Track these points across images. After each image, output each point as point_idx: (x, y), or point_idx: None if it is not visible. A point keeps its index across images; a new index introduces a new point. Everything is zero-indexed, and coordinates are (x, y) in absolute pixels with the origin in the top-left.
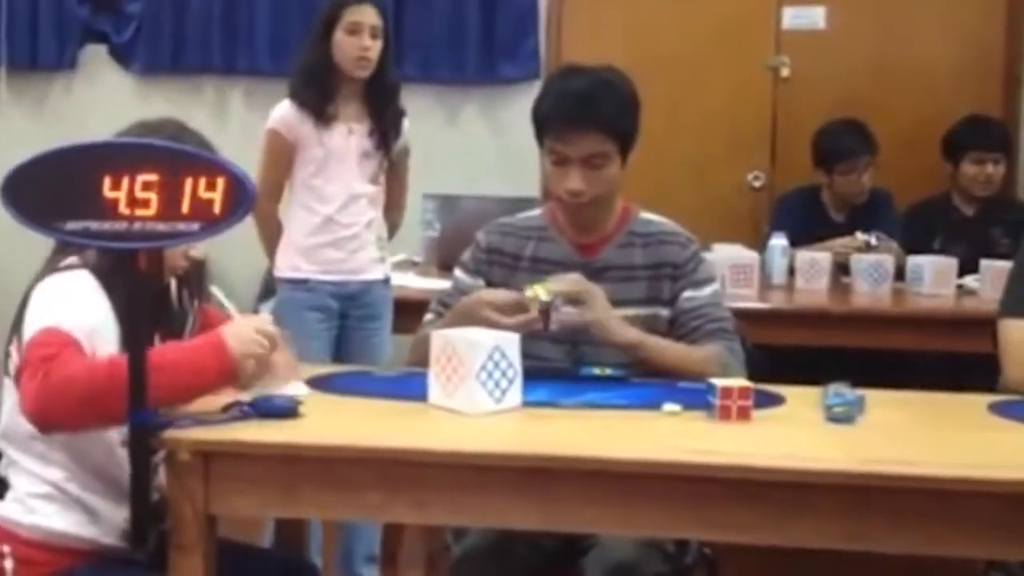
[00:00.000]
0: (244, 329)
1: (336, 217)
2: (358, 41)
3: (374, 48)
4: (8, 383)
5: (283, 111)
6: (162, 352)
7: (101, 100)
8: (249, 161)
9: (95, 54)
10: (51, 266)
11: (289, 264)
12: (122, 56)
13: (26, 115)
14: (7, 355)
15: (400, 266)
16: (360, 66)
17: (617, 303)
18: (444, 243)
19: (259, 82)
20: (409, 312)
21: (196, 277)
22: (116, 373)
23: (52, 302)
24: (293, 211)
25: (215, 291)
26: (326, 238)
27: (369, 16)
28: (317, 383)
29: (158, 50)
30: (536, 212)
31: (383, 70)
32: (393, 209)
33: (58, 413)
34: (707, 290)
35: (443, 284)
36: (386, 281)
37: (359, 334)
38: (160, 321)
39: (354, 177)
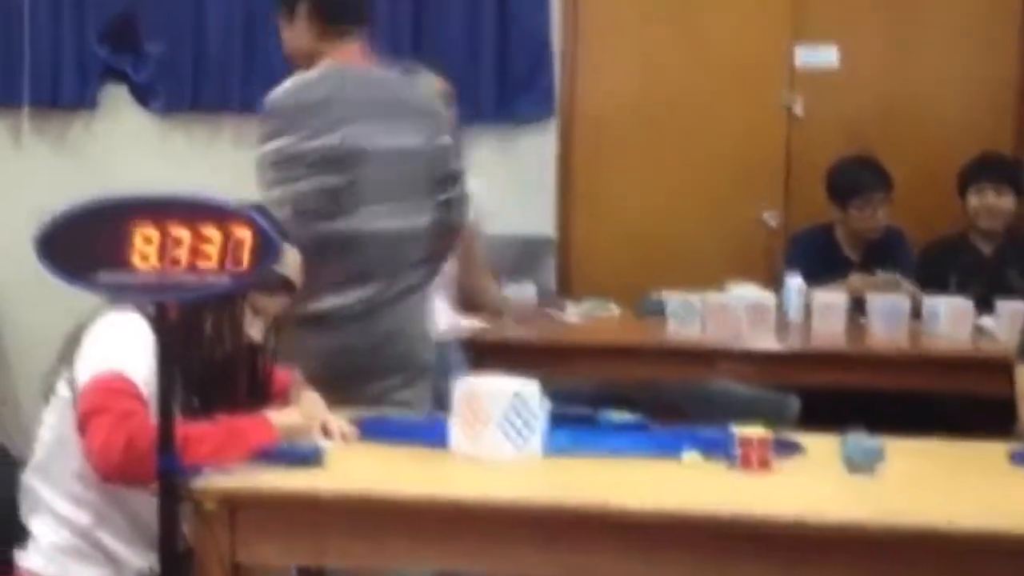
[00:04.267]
0: (293, 418)
1: None
2: None
3: None
4: (48, 417)
5: None
6: (213, 432)
7: (121, 138)
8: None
9: (116, 93)
10: (103, 309)
11: None
12: (142, 95)
13: (48, 153)
14: (49, 391)
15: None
16: None
17: None
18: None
19: None
20: None
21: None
22: (190, 443)
23: (113, 344)
24: None
25: None
26: None
27: None
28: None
29: (178, 89)
30: None
31: None
32: None
33: (136, 475)
34: None
35: (459, 321)
36: None
37: None
38: (228, 386)
39: None
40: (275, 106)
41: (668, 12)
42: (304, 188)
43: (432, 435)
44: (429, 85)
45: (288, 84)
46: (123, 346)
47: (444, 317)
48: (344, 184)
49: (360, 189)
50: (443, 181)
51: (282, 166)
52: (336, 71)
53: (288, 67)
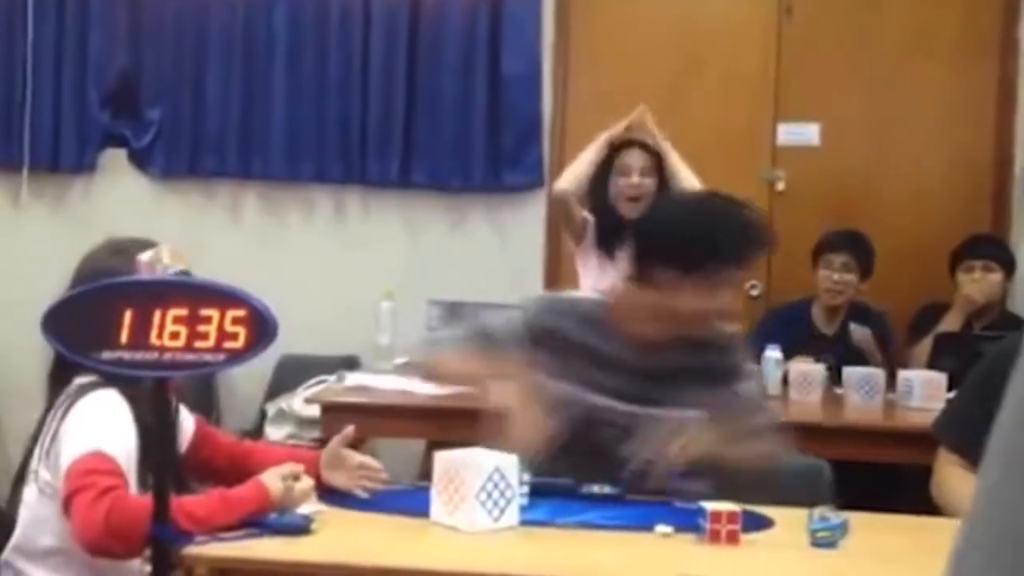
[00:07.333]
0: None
1: None
2: (627, 180)
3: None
4: (28, 497)
5: None
6: (205, 501)
7: (119, 203)
8: (261, 261)
9: (115, 158)
10: (80, 391)
11: None
12: (141, 160)
13: (46, 216)
14: (27, 471)
15: (405, 370)
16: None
17: (670, 406)
18: None
19: (272, 187)
20: (416, 417)
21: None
22: (183, 511)
23: (92, 423)
24: None
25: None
26: None
27: (636, 159)
28: (331, 497)
29: (176, 155)
30: (593, 297)
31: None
32: None
33: (120, 548)
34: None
35: (446, 391)
36: None
37: None
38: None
39: None
40: None
41: (654, 89)
42: None
43: (415, 504)
44: None
45: None
46: (102, 424)
47: None
48: None
49: None
50: None
51: None
52: None
53: (291, 136)
